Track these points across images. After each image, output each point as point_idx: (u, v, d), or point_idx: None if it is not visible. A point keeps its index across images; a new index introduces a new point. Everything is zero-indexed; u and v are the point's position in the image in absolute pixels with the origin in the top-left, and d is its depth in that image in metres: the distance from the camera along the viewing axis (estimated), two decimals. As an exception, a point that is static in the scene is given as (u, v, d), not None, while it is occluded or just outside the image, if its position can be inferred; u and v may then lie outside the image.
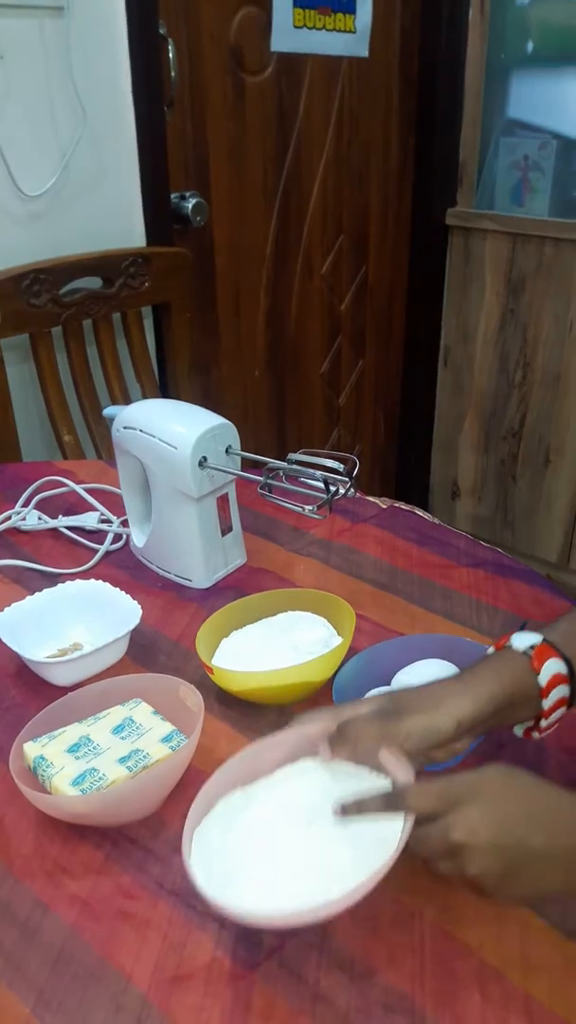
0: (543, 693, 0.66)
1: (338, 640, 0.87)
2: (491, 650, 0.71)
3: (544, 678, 0.66)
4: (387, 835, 0.59)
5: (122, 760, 0.72)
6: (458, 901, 0.64)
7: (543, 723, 0.69)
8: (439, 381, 2.51)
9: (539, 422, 2.34)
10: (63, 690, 0.86)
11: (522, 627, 0.70)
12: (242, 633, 0.91)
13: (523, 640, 0.68)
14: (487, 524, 2.56)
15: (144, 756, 0.73)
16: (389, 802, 0.59)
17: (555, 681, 0.66)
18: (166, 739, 0.75)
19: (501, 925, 0.62)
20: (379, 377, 2.47)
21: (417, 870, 0.66)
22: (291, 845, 0.62)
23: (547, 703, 0.67)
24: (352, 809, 0.61)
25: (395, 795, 0.60)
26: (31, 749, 0.73)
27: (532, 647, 0.67)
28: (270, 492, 0.94)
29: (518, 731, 0.72)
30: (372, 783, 0.64)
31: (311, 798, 0.64)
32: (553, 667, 0.66)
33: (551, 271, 2.16)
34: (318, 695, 0.85)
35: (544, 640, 0.68)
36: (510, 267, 2.23)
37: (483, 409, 2.44)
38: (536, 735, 0.70)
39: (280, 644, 0.88)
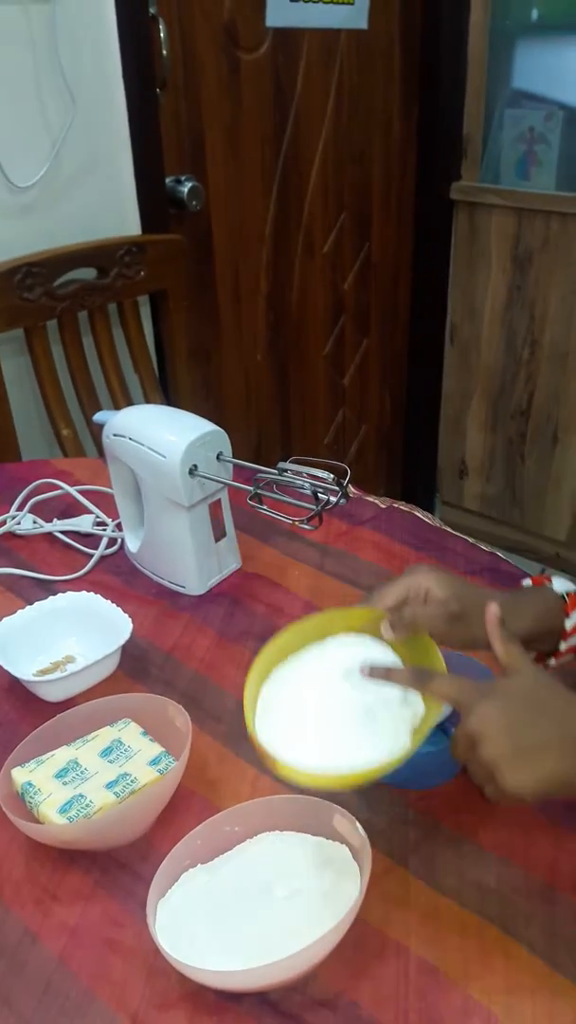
0: (564, 635, 0.76)
1: (418, 700, 0.68)
2: (528, 582, 0.80)
3: (570, 623, 0.75)
4: (346, 898, 0.61)
5: (109, 785, 0.72)
6: (443, 932, 0.64)
7: (551, 662, 0.78)
8: (446, 359, 2.47)
9: (547, 400, 2.30)
10: (55, 705, 0.87)
11: (542, 571, 0.77)
12: (291, 674, 0.70)
13: (561, 585, 0.77)
14: (495, 503, 2.54)
15: (131, 781, 0.73)
16: (415, 677, 0.66)
17: None
18: (154, 762, 0.75)
19: (486, 957, 0.62)
20: (384, 356, 2.44)
21: (401, 902, 0.66)
22: (255, 909, 0.63)
23: (563, 645, 0.76)
24: (379, 672, 0.66)
25: (424, 673, 0.66)
26: (19, 775, 0.73)
27: (568, 593, 0.76)
28: (260, 503, 0.92)
29: None
30: (331, 851, 0.66)
31: (272, 865, 0.66)
32: None
33: (558, 246, 2.11)
34: None
35: None
36: (516, 243, 2.18)
37: (491, 387, 2.41)
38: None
39: (346, 701, 0.67)
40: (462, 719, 0.63)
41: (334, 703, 0.67)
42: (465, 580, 0.76)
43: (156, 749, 0.76)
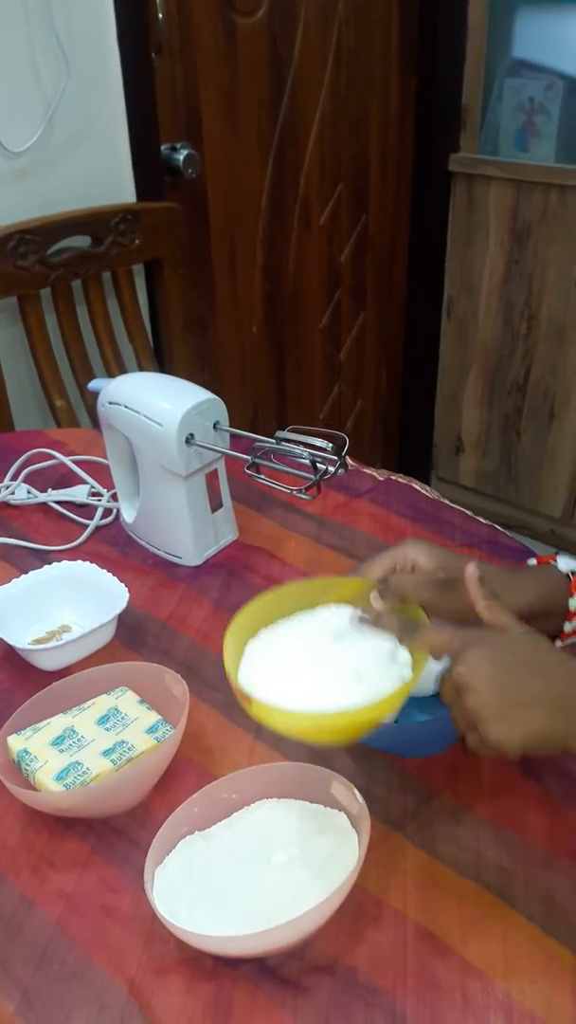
0: (569, 615, 0.73)
1: (406, 656, 0.67)
2: (533, 562, 0.78)
3: (575, 603, 0.73)
4: (344, 864, 0.61)
5: (106, 753, 0.72)
6: (441, 899, 0.64)
7: (556, 644, 0.75)
8: (442, 334, 2.45)
9: (544, 375, 2.29)
10: (50, 674, 0.86)
11: (557, 552, 0.78)
12: (276, 635, 0.71)
13: (567, 563, 0.75)
14: (491, 479, 2.53)
15: (129, 748, 0.73)
16: (403, 628, 0.66)
17: None
18: (151, 730, 0.74)
19: (483, 923, 0.62)
20: (381, 330, 2.42)
21: (399, 869, 0.66)
22: (253, 875, 0.63)
23: (568, 626, 0.74)
24: (370, 618, 0.67)
25: (412, 625, 0.65)
26: (15, 742, 0.73)
27: (573, 572, 0.74)
28: (258, 472, 0.92)
29: None
30: (329, 818, 0.66)
31: (269, 832, 0.66)
32: None
33: (556, 219, 2.09)
34: None
35: None
36: (514, 215, 2.16)
37: (487, 363, 2.39)
38: None
39: (333, 659, 0.67)
40: (451, 665, 0.61)
41: (321, 659, 0.67)
42: (455, 552, 0.74)
43: (153, 717, 0.76)
